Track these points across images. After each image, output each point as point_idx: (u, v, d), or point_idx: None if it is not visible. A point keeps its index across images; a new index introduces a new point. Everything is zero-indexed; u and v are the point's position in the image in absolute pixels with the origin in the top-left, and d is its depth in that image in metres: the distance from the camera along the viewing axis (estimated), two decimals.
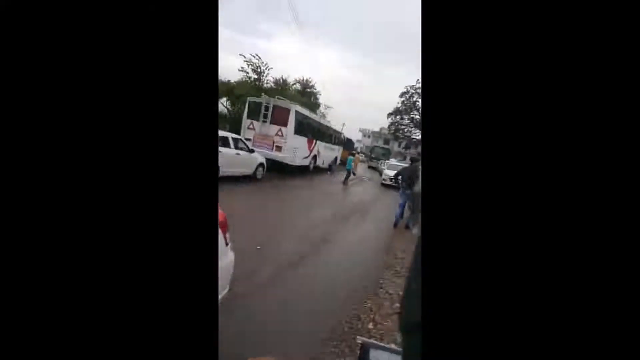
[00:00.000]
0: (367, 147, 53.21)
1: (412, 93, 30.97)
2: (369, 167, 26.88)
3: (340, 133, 18.42)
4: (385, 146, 34.32)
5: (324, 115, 16.52)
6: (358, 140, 56.46)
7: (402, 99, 32.39)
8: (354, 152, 19.21)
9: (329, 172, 15.06)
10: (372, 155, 28.14)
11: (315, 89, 26.08)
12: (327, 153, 15.16)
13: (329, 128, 15.48)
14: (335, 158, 17.37)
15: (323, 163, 14.92)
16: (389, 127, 34.54)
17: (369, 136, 57.99)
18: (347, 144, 22.56)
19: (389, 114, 33.48)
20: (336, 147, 17.16)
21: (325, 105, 28.30)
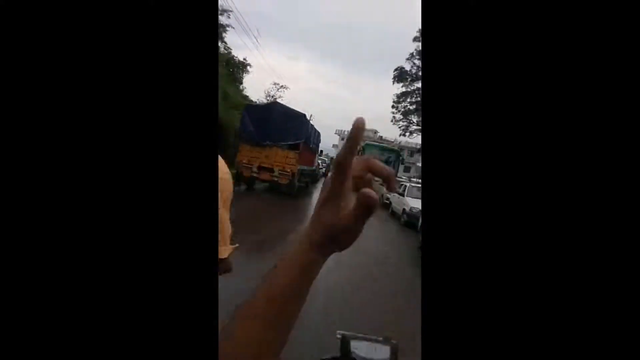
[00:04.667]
0: None
1: None
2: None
3: None
4: (390, 147, 16.87)
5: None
6: (334, 145, 38.98)
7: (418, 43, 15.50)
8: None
9: None
10: None
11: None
12: None
13: None
14: None
15: None
16: (399, 99, 17.11)
17: None
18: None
19: (395, 76, 16.15)
20: None
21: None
